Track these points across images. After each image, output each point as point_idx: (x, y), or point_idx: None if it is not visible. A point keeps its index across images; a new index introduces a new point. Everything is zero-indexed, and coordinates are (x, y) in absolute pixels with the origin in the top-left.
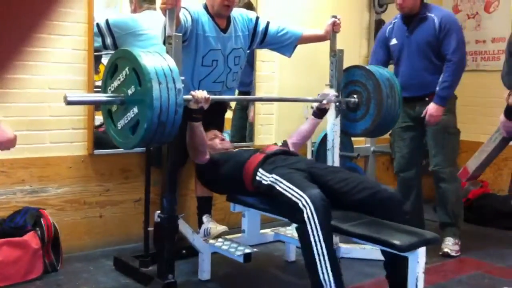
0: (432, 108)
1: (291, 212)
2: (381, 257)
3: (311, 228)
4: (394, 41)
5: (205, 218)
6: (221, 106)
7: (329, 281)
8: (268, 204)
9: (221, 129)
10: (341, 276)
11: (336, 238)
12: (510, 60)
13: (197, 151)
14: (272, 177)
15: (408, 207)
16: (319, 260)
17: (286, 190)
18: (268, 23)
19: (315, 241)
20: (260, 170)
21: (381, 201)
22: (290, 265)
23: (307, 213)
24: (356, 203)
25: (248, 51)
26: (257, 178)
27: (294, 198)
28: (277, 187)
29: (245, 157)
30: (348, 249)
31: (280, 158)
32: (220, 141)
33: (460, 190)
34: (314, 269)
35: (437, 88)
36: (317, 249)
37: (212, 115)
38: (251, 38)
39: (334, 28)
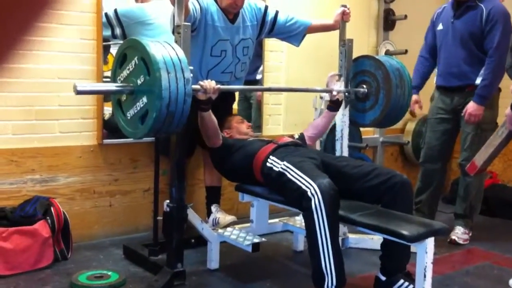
0: (471, 107)
1: (299, 200)
2: None
3: (317, 217)
4: (440, 27)
5: (213, 208)
6: (230, 97)
7: (331, 270)
8: (276, 194)
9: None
10: (342, 266)
11: (344, 228)
12: None
13: (210, 137)
14: (283, 164)
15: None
16: (323, 249)
17: (296, 178)
18: (277, 13)
19: (320, 230)
20: (271, 156)
21: (394, 185)
22: (298, 255)
23: (314, 202)
24: (367, 190)
25: (257, 41)
26: (268, 164)
27: (303, 186)
28: (288, 175)
29: (258, 146)
30: (356, 239)
31: (292, 149)
32: (246, 127)
33: (483, 185)
34: (317, 258)
35: (478, 85)
36: (321, 238)
37: (221, 106)
38: (259, 28)
39: (344, 17)
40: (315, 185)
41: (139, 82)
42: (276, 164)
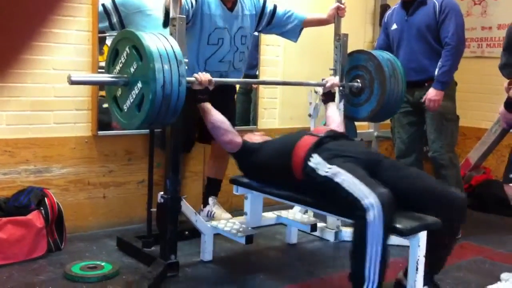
0: (431, 92)
1: (350, 208)
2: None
3: (373, 229)
4: (394, 26)
5: (211, 200)
6: (230, 90)
7: (374, 276)
8: (315, 197)
9: (233, 114)
10: (385, 271)
11: (338, 222)
12: (506, 52)
13: (222, 132)
14: (332, 168)
15: None
16: (370, 258)
17: (348, 185)
18: (275, 6)
19: (372, 242)
20: (315, 155)
21: (451, 211)
22: (291, 248)
23: (373, 214)
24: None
25: (255, 33)
26: (311, 164)
27: (358, 195)
28: (338, 180)
29: (293, 140)
30: (349, 233)
31: (335, 144)
32: (260, 134)
33: (460, 175)
34: (360, 263)
35: (436, 73)
36: (372, 249)
37: (222, 100)
38: (258, 19)
39: (339, 12)
40: (375, 195)
41: (132, 70)
42: (321, 166)
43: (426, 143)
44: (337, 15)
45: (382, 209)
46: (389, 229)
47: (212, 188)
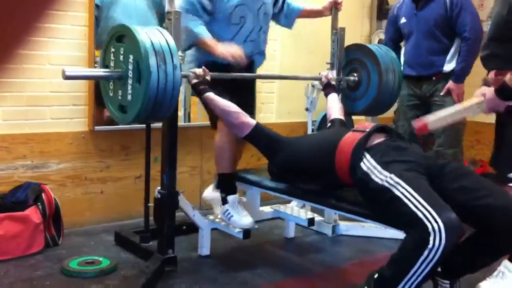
0: (452, 85)
1: (409, 226)
2: (379, 235)
3: (430, 254)
4: (403, 20)
5: (231, 200)
6: (248, 82)
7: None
8: (366, 205)
9: (253, 108)
10: None
11: (335, 216)
12: (495, 43)
13: (235, 116)
14: (390, 177)
15: None
16: (412, 276)
17: (410, 200)
18: None
19: (422, 264)
20: (368, 156)
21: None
22: (289, 242)
23: (434, 240)
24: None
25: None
26: (363, 166)
27: (422, 216)
28: (397, 192)
29: (336, 136)
30: (348, 226)
31: (390, 145)
32: None
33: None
34: (399, 276)
35: (455, 68)
36: (418, 269)
37: (241, 94)
38: (274, 2)
39: (336, 6)
40: (440, 221)
41: (126, 64)
42: (376, 172)
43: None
44: (334, 9)
45: (446, 237)
46: (444, 256)
47: (224, 185)
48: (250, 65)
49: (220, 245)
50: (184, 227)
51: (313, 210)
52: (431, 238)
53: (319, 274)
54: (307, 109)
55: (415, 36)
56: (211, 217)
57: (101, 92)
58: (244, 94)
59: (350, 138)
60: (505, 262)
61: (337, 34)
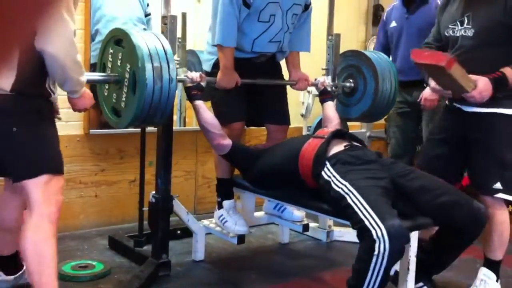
0: (427, 92)
1: (359, 233)
2: None
3: (377, 261)
4: (393, 24)
5: (226, 205)
6: (278, 73)
7: None
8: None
9: (286, 106)
10: None
11: (330, 221)
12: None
13: (211, 133)
14: (346, 185)
15: None
16: (369, 282)
17: (359, 209)
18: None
19: (373, 271)
20: (329, 165)
21: (473, 223)
22: (283, 247)
23: (379, 248)
24: (435, 210)
25: None
26: (325, 175)
27: (368, 224)
28: (349, 200)
29: (299, 143)
30: (341, 232)
31: (350, 154)
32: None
33: None
34: (360, 282)
35: None
36: (371, 275)
37: (271, 91)
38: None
39: (299, 84)
40: (384, 228)
41: (122, 69)
42: (336, 181)
43: (419, 143)
44: (328, 16)
45: (390, 243)
46: (393, 261)
47: (222, 189)
48: (273, 59)
49: (215, 250)
50: (179, 232)
51: (308, 216)
52: (376, 245)
53: (313, 280)
54: (302, 115)
55: (405, 40)
56: (205, 222)
57: (97, 95)
58: (265, 99)
59: (311, 145)
60: (483, 269)
61: (333, 40)
